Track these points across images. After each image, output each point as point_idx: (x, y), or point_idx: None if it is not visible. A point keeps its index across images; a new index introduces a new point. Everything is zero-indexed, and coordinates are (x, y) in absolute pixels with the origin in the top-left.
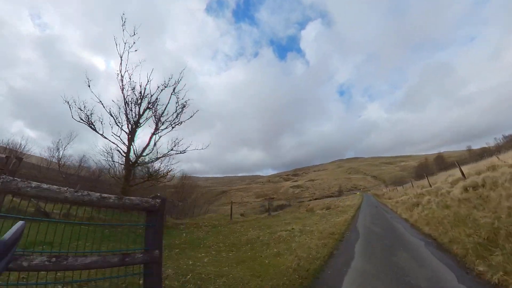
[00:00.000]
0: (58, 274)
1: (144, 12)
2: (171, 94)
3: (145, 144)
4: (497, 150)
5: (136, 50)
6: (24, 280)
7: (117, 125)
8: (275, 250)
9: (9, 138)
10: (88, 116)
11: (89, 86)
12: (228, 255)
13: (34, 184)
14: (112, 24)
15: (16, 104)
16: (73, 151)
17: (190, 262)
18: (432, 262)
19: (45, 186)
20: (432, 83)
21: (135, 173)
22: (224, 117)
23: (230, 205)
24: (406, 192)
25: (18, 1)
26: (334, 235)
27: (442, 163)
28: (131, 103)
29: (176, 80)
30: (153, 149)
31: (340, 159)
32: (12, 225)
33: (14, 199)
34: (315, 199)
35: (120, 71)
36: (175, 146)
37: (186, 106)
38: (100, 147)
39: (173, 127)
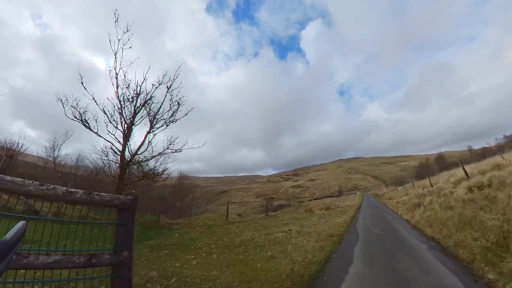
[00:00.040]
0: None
1: (144, 12)
2: (167, 92)
3: (140, 143)
4: (498, 150)
5: (130, 47)
6: None
7: (111, 123)
8: (269, 253)
9: (6, 137)
10: (81, 114)
11: (82, 83)
12: (219, 258)
13: None
14: (112, 23)
15: (17, 104)
16: (73, 150)
17: (177, 264)
18: (436, 268)
19: (8, 178)
20: (432, 83)
21: (130, 172)
22: (224, 117)
23: (229, 205)
24: (407, 192)
25: (19, 1)
26: (332, 237)
27: (442, 163)
28: (126, 101)
29: (172, 78)
30: (147, 147)
31: (340, 159)
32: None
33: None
34: (315, 199)
35: (115, 69)
36: (170, 144)
37: (181, 103)
38: (95, 146)
39: (167, 125)
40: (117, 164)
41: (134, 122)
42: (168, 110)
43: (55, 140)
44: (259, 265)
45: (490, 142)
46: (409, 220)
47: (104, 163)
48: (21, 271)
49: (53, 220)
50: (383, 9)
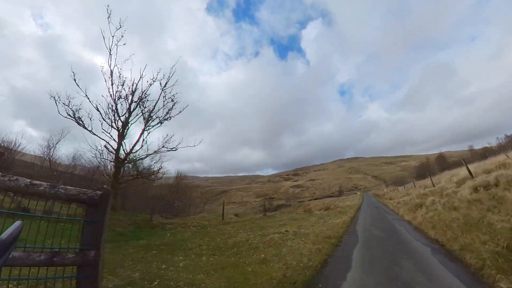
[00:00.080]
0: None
1: (144, 12)
2: (162, 89)
3: (135, 141)
4: (500, 149)
5: (124, 44)
6: None
7: (105, 121)
8: (262, 255)
9: (3, 136)
10: (73, 112)
11: (74, 80)
12: (208, 260)
13: None
14: (113, 21)
15: (18, 104)
16: (70, 150)
17: (163, 266)
18: (441, 274)
19: None
20: (432, 83)
21: (125, 170)
22: (225, 117)
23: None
24: (408, 192)
25: (20, 1)
26: (330, 239)
27: (443, 162)
28: (121, 98)
29: (168, 75)
30: (142, 145)
31: (340, 159)
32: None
33: None
34: (315, 199)
35: (109, 66)
36: (166, 143)
37: (175, 100)
38: (89, 145)
39: (161, 123)
40: (112, 163)
41: (129, 120)
42: (162, 107)
43: (50, 138)
44: (249, 269)
45: (491, 142)
46: (411, 221)
47: (98, 161)
48: None
49: (13, 214)
50: (384, 9)
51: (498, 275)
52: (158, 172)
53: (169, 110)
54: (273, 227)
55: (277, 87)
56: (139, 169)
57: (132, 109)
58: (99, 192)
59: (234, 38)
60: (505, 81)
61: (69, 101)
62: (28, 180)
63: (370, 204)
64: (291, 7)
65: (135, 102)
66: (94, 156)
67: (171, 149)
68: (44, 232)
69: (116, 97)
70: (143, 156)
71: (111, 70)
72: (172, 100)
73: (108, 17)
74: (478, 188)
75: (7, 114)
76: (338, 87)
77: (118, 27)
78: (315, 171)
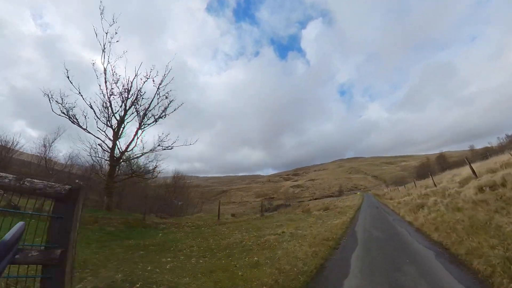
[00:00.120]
0: None
1: (145, 12)
2: (157, 88)
3: (130, 140)
4: (500, 149)
5: (117, 41)
6: None
7: (99, 119)
8: (255, 258)
9: (0, 135)
10: (67, 109)
11: (68, 77)
12: (197, 262)
13: None
14: (119, 25)
15: (18, 104)
16: (68, 148)
17: (149, 268)
18: (448, 282)
19: None
20: (433, 83)
21: (120, 169)
22: (225, 116)
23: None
24: (409, 192)
25: (20, 1)
26: (328, 241)
27: (444, 162)
28: (114, 95)
29: (164, 74)
30: (136, 144)
31: (340, 159)
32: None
33: None
34: (315, 199)
35: (103, 63)
36: (161, 141)
37: (169, 98)
38: (83, 143)
39: (156, 121)
40: (107, 162)
41: (125, 118)
42: (157, 105)
43: (46, 137)
44: (240, 273)
45: (492, 141)
46: (412, 222)
47: (93, 160)
48: None
49: None
50: (384, 8)
51: (511, 284)
52: (154, 171)
53: (165, 108)
54: (269, 228)
55: (277, 87)
56: (134, 168)
57: (127, 108)
58: (67, 187)
59: (234, 38)
60: (505, 81)
61: (62, 98)
62: None
63: (370, 204)
64: (291, 6)
65: (127, 98)
66: (89, 154)
67: (167, 148)
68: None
69: (109, 94)
70: (138, 155)
71: (104, 67)
72: (167, 98)
73: (101, 13)
74: (484, 188)
75: (7, 114)
76: (338, 87)
77: (111, 24)
78: (315, 171)
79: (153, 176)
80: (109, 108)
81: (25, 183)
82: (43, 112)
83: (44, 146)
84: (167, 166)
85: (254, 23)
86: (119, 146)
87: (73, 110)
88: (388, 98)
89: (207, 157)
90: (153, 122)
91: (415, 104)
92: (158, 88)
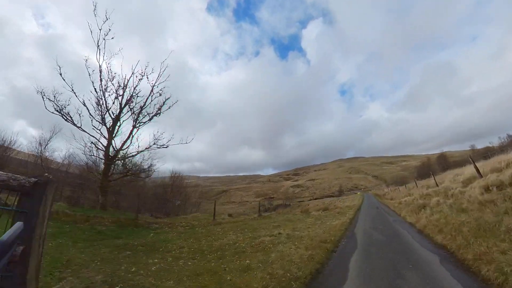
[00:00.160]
0: None
1: (145, 12)
2: (152, 86)
3: (125, 138)
4: (502, 149)
5: (113, 38)
6: None
7: (93, 117)
8: (247, 261)
9: None
10: (60, 107)
11: (60, 74)
12: (185, 264)
13: None
14: (114, 23)
15: (19, 103)
16: (64, 147)
17: (133, 269)
18: None
19: None
20: (433, 82)
21: (115, 168)
22: (225, 116)
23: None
24: (410, 192)
25: (22, 1)
26: (326, 244)
27: (445, 162)
28: (107, 92)
29: (159, 71)
30: (131, 142)
31: (341, 159)
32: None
33: None
34: (315, 198)
35: (98, 61)
36: (157, 140)
37: (163, 94)
38: (77, 141)
39: (151, 119)
40: (102, 160)
41: (120, 117)
42: (151, 102)
43: (42, 136)
44: (228, 278)
45: (493, 141)
46: (414, 224)
47: (88, 159)
48: None
49: None
50: (384, 8)
51: None
52: (149, 170)
53: (160, 106)
54: (266, 228)
55: (277, 86)
56: (128, 167)
57: (122, 106)
58: (33, 179)
59: (234, 38)
60: (506, 81)
61: (55, 96)
62: None
63: (371, 205)
64: (291, 6)
65: (122, 96)
66: (83, 153)
67: (162, 146)
68: None
69: (103, 92)
70: (133, 153)
71: (100, 64)
72: (160, 95)
73: (94, 10)
74: (490, 187)
75: (7, 114)
76: (338, 87)
77: (104, 20)
78: (315, 171)
79: (148, 175)
80: (102, 105)
81: None
82: (43, 112)
83: (40, 144)
84: (163, 165)
85: (254, 23)
86: (114, 145)
87: (67, 108)
88: (388, 97)
89: (207, 157)
90: (148, 120)
91: (415, 104)
92: (153, 86)
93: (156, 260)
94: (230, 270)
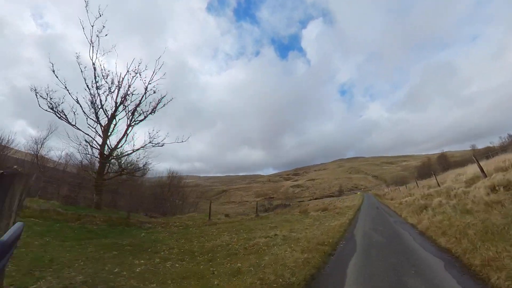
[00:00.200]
0: None
1: (145, 12)
2: (144, 83)
3: (120, 137)
4: (503, 149)
5: (106, 35)
6: None
7: (87, 115)
8: (238, 265)
9: None
10: (52, 104)
11: (53, 71)
12: (173, 266)
13: None
14: (114, 22)
15: (18, 103)
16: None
17: (116, 270)
18: None
19: None
20: (433, 82)
21: (110, 167)
22: (225, 116)
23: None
24: (411, 192)
25: (21, 1)
26: (324, 246)
27: (445, 162)
28: (99, 89)
29: (154, 69)
30: (126, 140)
31: (341, 159)
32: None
33: None
34: (315, 198)
35: (91, 58)
36: (152, 138)
37: (157, 92)
38: (71, 139)
39: (145, 117)
40: (97, 159)
41: (116, 115)
42: (145, 99)
43: (39, 134)
44: (215, 282)
45: (494, 141)
46: (416, 225)
47: (82, 157)
48: None
49: None
50: (384, 8)
51: None
52: (144, 169)
53: (156, 104)
54: (262, 229)
55: (277, 86)
56: (123, 165)
57: (118, 104)
58: None
59: (234, 38)
60: (506, 81)
61: (47, 93)
62: None
63: (371, 205)
64: (292, 6)
65: (117, 94)
66: (78, 151)
67: (157, 145)
68: None
69: (96, 89)
70: (129, 152)
71: (93, 62)
72: (154, 92)
73: (86, 6)
74: (497, 187)
75: (7, 114)
76: (338, 87)
77: (97, 16)
78: (315, 170)
79: (144, 174)
80: (95, 103)
81: None
82: (43, 112)
83: (36, 143)
84: (163, 165)
85: (254, 23)
86: (109, 143)
87: (61, 106)
88: (388, 97)
89: (207, 157)
90: (143, 118)
91: (415, 103)
92: (148, 83)
93: (142, 261)
94: (219, 274)
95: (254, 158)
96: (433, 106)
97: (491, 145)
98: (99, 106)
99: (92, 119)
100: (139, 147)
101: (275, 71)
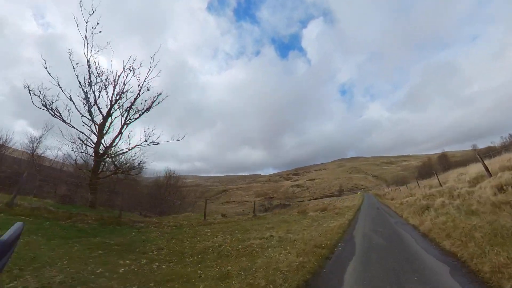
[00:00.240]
0: None
1: (145, 12)
2: (138, 80)
3: (115, 135)
4: (504, 149)
5: (100, 32)
6: None
7: (81, 113)
8: (228, 268)
9: None
10: (46, 102)
11: (46, 68)
12: (159, 268)
13: None
14: (114, 22)
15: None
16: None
17: (99, 270)
18: None
19: None
20: (434, 82)
21: (105, 166)
22: (225, 116)
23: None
24: (412, 192)
25: (22, 1)
26: (321, 249)
27: (446, 162)
28: (92, 86)
29: (149, 66)
30: (120, 138)
31: (341, 159)
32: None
33: None
34: (315, 198)
35: (86, 55)
36: (148, 137)
37: (151, 89)
38: (66, 138)
39: (140, 115)
40: (91, 157)
41: (111, 113)
42: (139, 97)
43: (34, 133)
44: (201, 287)
45: (495, 141)
46: (417, 226)
47: (76, 156)
48: None
49: None
50: (386, 8)
51: None
52: (139, 167)
53: (152, 102)
54: (258, 230)
55: (278, 86)
56: (117, 164)
57: (113, 102)
58: None
59: (235, 37)
60: (507, 81)
61: (40, 91)
62: None
63: (371, 205)
64: (292, 5)
65: (113, 92)
66: (72, 149)
67: (152, 143)
68: None
69: (91, 86)
70: (124, 150)
71: (87, 59)
72: (148, 89)
73: (80, 2)
74: (505, 187)
75: (7, 114)
76: (339, 87)
77: (90, 13)
78: (315, 170)
79: (139, 172)
80: (89, 100)
81: None
82: (43, 111)
83: (31, 142)
84: (163, 165)
85: (255, 22)
86: (104, 142)
87: (55, 104)
88: (389, 97)
89: (207, 157)
90: (138, 116)
91: (416, 103)
92: (144, 81)
93: (127, 262)
94: (206, 277)
95: (254, 158)
96: (434, 106)
97: (492, 145)
98: (92, 104)
99: (87, 117)
100: (134, 145)
101: (275, 71)
